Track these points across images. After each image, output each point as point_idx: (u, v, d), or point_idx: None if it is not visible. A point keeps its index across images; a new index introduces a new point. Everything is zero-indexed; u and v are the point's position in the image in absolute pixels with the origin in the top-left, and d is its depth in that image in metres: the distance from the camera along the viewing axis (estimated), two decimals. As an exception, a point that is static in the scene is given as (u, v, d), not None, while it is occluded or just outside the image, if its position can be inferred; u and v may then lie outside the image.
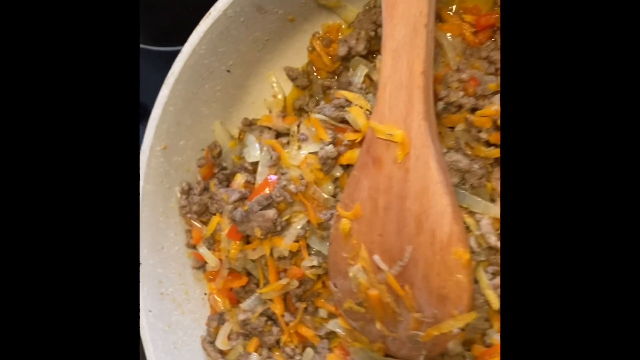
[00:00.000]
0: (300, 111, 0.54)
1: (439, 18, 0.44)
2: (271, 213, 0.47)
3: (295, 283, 0.49)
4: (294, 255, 0.49)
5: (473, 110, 0.42)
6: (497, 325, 0.42)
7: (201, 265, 0.56)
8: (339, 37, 0.51)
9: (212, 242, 0.54)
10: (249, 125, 0.55)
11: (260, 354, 0.52)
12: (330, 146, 0.46)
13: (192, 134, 0.54)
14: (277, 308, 0.51)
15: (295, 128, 0.51)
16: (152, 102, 0.72)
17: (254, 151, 0.53)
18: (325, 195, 0.47)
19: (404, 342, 0.44)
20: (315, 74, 0.53)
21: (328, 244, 0.47)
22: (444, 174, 0.39)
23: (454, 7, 0.45)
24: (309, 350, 0.50)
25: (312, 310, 0.51)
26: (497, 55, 0.43)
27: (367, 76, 0.48)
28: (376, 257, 0.42)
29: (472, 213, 0.42)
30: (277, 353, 0.52)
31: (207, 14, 0.47)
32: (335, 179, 0.48)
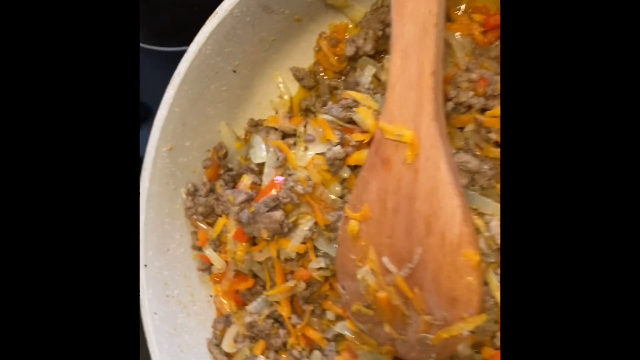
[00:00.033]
0: (307, 112, 0.53)
1: (447, 17, 0.44)
2: (278, 214, 0.47)
3: (303, 285, 0.49)
4: (301, 257, 0.49)
5: (483, 110, 0.42)
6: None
7: (207, 267, 0.56)
8: (346, 37, 0.50)
9: (218, 244, 0.54)
10: (255, 126, 0.55)
11: (267, 357, 0.51)
12: (338, 147, 0.45)
13: (197, 135, 0.53)
14: (284, 310, 0.51)
15: (302, 129, 0.50)
16: (155, 102, 0.71)
17: (260, 152, 0.52)
18: (333, 197, 0.47)
19: (413, 344, 0.43)
20: (322, 74, 0.53)
21: (335, 245, 0.47)
22: (454, 175, 0.39)
23: (463, 6, 0.44)
24: (316, 353, 0.50)
25: (320, 312, 0.51)
26: (506, 55, 0.43)
27: (375, 76, 0.47)
28: (385, 259, 0.42)
29: (481, 214, 0.42)
30: (284, 356, 0.52)
31: (214, 13, 0.47)
32: (343, 180, 0.47)
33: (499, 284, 0.41)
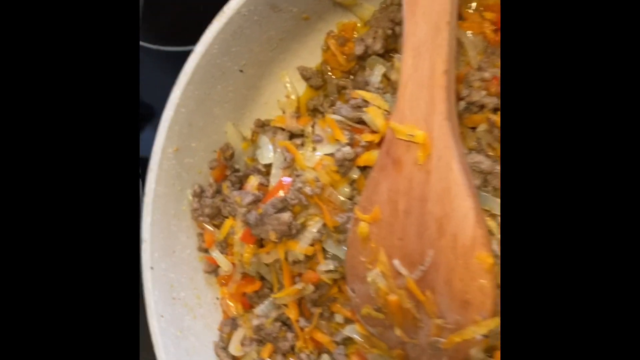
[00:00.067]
0: (315, 112, 0.53)
1: (459, 16, 0.43)
2: (286, 216, 0.46)
3: (311, 288, 0.48)
4: (309, 259, 0.48)
5: (495, 110, 0.41)
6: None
7: (213, 269, 0.55)
8: (355, 35, 0.50)
9: (225, 246, 0.53)
10: (262, 126, 0.54)
11: (274, 360, 0.51)
12: (348, 147, 0.44)
13: (204, 136, 0.53)
14: (292, 313, 0.50)
15: (309, 129, 0.49)
16: (158, 103, 0.71)
17: (267, 153, 0.52)
18: (342, 198, 0.46)
19: (425, 348, 0.42)
20: (329, 73, 0.52)
21: (344, 247, 0.46)
22: (467, 175, 0.38)
23: (474, 4, 0.44)
24: (324, 356, 0.49)
25: (328, 315, 0.50)
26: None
27: (385, 76, 0.46)
28: (396, 262, 0.41)
29: (494, 216, 0.41)
30: (291, 359, 0.51)
31: (221, 12, 0.46)
32: (352, 181, 0.46)
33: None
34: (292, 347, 0.51)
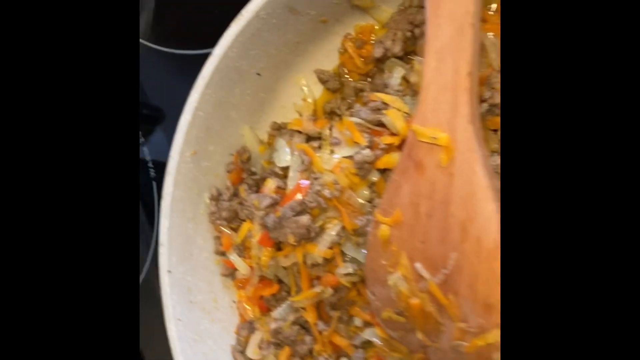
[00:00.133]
0: (331, 114, 0.53)
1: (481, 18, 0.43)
2: (305, 219, 0.46)
3: (330, 291, 0.48)
4: (328, 262, 0.48)
5: (517, 112, 0.41)
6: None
7: (230, 272, 0.55)
8: (372, 38, 0.50)
9: (242, 249, 0.53)
10: (279, 129, 0.54)
11: (293, 364, 0.51)
12: (367, 150, 0.44)
13: (221, 139, 0.53)
14: (310, 316, 0.50)
15: (327, 132, 0.49)
16: (168, 105, 0.71)
17: (284, 156, 0.52)
18: (361, 201, 0.46)
19: (447, 352, 0.42)
20: (346, 76, 0.52)
21: (364, 250, 0.46)
22: (491, 178, 0.38)
23: (495, 5, 0.43)
24: (344, 360, 0.49)
25: (347, 318, 0.50)
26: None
27: (404, 78, 0.46)
28: (418, 265, 0.41)
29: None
30: (309, 363, 0.51)
31: (239, 15, 0.46)
32: (371, 184, 0.46)
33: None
34: (310, 351, 0.51)
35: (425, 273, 0.41)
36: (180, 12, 0.70)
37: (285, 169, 0.51)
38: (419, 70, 0.44)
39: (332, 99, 0.53)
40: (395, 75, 0.46)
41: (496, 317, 0.39)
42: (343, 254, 0.47)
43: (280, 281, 0.53)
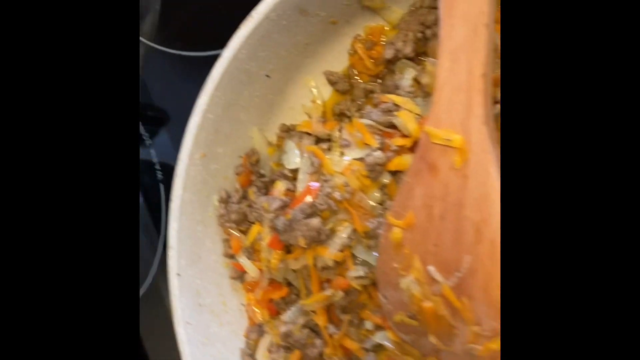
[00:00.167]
0: (341, 116, 0.52)
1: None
2: (316, 222, 0.46)
3: (341, 294, 0.47)
4: (339, 265, 0.48)
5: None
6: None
7: (239, 275, 0.55)
8: (382, 39, 0.49)
9: (252, 252, 0.53)
10: (287, 131, 0.54)
11: (303, 368, 0.50)
12: (379, 152, 0.44)
13: (229, 141, 0.52)
14: (321, 320, 0.49)
15: (337, 133, 0.49)
16: (173, 107, 0.71)
17: (294, 158, 0.51)
18: (372, 203, 0.46)
19: (460, 356, 0.42)
20: (356, 77, 0.51)
21: (375, 253, 0.46)
22: (505, 180, 0.37)
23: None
24: (354, 363, 0.49)
25: (357, 322, 0.49)
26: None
27: (415, 79, 0.46)
28: (431, 268, 0.40)
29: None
30: (320, 366, 0.50)
31: (248, 17, 0.46)
32: (382, 186, 0.46)
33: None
34: (321, 354, 0.50)
35: (438, 276, 0.40)
36: (186, 14, 0.70)
37: (295, 171, 0.51)
38: (431, 72, 0.44)
39: (342, 100, 0.53)
40: (407, 76, 0.46)
41: (511, 321, 0.38)
42: (354, 256, 0.47)
43: (289, 284, 0.52)
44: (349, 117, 0.51)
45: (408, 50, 0.45)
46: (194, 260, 0.53)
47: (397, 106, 0.44)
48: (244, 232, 0.54)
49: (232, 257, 0.54)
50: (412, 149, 0.44)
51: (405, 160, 0.43)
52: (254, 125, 0.53)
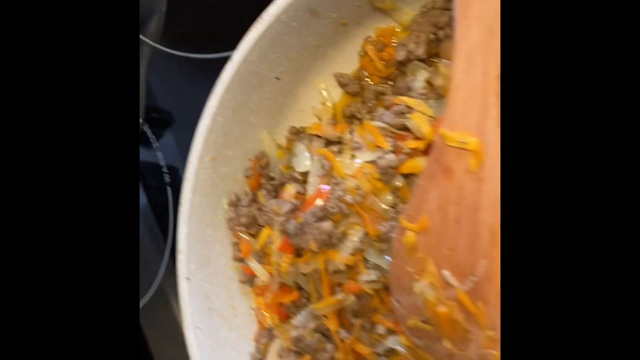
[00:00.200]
0: (351, 118, 0.52)
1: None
2: (327, 225, 0.45)
3: (352, 298, 0.47)
4: (350, 268, 0.47)
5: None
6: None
7: (249, 279, 0.54)
8: (393, 40, 0.49)
9: (262, 255, 0.52)
10: (297, 133, 0.53)
11: (314, 373, 0.50)
12: (392, 155, 0.43)
13: (239, 144, 0.52)
14: (332, 324, 0.49)
15: (347, 136, 0.49)
16: (178, 110, 0.71)
17: (304, 160, 0.51)
18: (384, 206, 0.45)
19: (475, 361, 0.41)
20: (367, 79, 0.51)
21: (387, 257, 0.45)
22: (522, 183, 0.37)
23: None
24: (367, 368, 0.48)
25: (369, 326, 0.49)
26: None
27: (427, 81, 0.45)
28: (446, 272, 0.40)
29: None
30: (331, 371, 0.50)
31: (259, 19, 0.45)
32: (394, 189, 0.45)
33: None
34: (332, 359, 0.50)
35: (453, 280, 0.40)
36: (191, 16, 0.70)
37: (305, 174, 0.51)
38: (444, 73, 0.43)
39: (352, 102, 0.52)
40: (419, 78, 0.45)
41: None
42: (365, 260, 0.47)
43: (299, 288, 0.52)
44: (360, 120, 0.51)
45: (420, 51, 0.45)
46: (204, 264, 0.52)
47: (409, 108, 0.44)
48: (254, 236, 0.53)
49: (241, 260, 0.54)
50: (425, 151, 0.43)
51: (418, 163, 0.43)
52: (263, 128, 0.53)
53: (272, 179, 0.54)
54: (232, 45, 0.60)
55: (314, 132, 0.51)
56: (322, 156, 0.48)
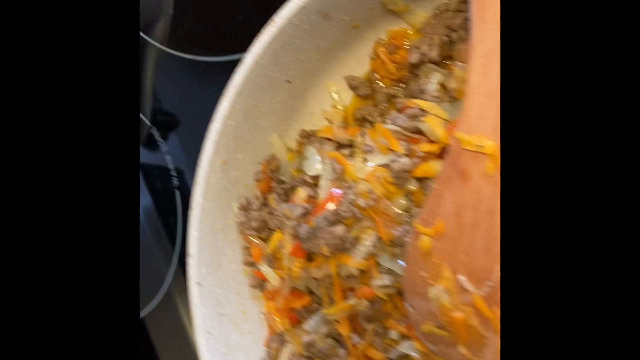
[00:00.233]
0: (363, 121, 0.51)
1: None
2: (340, 229, 0.45)
3: (365, 303, 0.46)
4: (362, 273, 0.47)
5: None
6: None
7: (259, 283, 0.54)
8: (405, 43, 0.48)
9: (273, 260, 0.52)
10: (307, 137, 0.53)
11: (326, 378, 0.49)
12: (406, 158, 0.43)
13: (249, 148, 0.52)
14: (344, 329, 0.48)
15: (359, 139, 0.48)
16: (183, 112, 0.70)
17: (315, 164, 0.50)
18: (398, 210, 0.45)
19: (491, 367, 0.41)
20: (378, 82, 0.51)
21: (400, 261, 0.45)
22: (539, 187, 0.36)
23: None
24: (380, 374, 0.48)
25: (382, 331, 0.48)
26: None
27: (440, 84, 0.45)
28: (462, 278, 0.39)
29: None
30: (343, 376, 0.49)
31: (270, 22, 0.45)
32: (408, 193, 0.45)
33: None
34: (344, 364, 0.50)
35: (469, 286, 0.39)
36: (199, 18, 0.69)
37: (316, 178, 0.50)
38: (459, 76, 0.43)
39: (363, 105, 0.52)
40: (432, 80, 0.45)
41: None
42: (378, 265, 0.46)
43: (311, 292, 0.51)
44: (371, 122, 0.50)
45: (434, 54, 0.44)
46: (214, 268, 0.52)
47: (423, 111, 0.43)
48: (264, 240, 0.53)
49: (252, 264, 0.53)
50: (439, 155, 0.43)
51: (432, 167, 0.43)
52: (273, 131, 0.53)
53: (283, 182, 0.53)
54: (239, 48, 0.60)
55: (325, 135, 0.51)
56: (333, 160, 0.48)
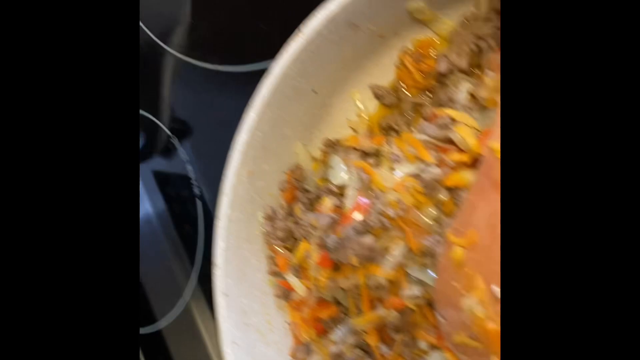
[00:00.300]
0: (388, 130, 0.51)
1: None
2: (369, 239, 0.44)
3: (395, 314, 0.46)
4: (391, 284, 0.46)
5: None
6: None
7: (284, 293, 0.54)
8: (431, 52, 0.48)
9: (299, 269, 0.52)
10: (332, 146, 0.53)
11: (355, 389, 0.49)
12: (436, 168, 0.43)
13: (275, 157, 0.52)
14: (372, 339, 0.48)
15: (386, 148, 0.48)
16: (194, 119, 0.71)
17: (340, 173, 0.50)
18: (428, 221, 0.45)
19: (525, 378, 0.40)
20: (403, 91, 0.50)
21: (430, 272, 0.44)
22: (576, 197, 0.36)
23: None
24: (409, 385, 0.47)
25: (410, 341, 0.48)
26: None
27: (470, 93, 0.45)
28: (495, 288, 0.39)
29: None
30: (372, 387, 0.49)
31: (298, 32, 0.45)
32: (438, 203, 0.45)
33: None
34: (373, 375, 0.49)
35: (503, 297, 0.39)
36: (217, 27, 0.69)
37: (341, 187, 0.50)
38: (489, 85, 0.43)
39: (388, 114, 0.52)
40: (462, 89, 0.45)
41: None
42: (407, 275, 0.46)
43: (337, 302, 0.51)
44: (397, 131, 0.50)
45: (463, 63, 0.44)
46: (240, 278, 0.52)
47: (453, 120, 0.43)
48: (289, 249, 0.53)
49: (277, 274, 0.53)
50: (470, 164, 0.43)
51: (464, 177, 0.42)
52: (297, 141, 0.53)
53: (308, 191, 0.53)
54: (260, 57, 0.60)
55: (351, 145, 0.51)
56: (360, 169, 0.48)
